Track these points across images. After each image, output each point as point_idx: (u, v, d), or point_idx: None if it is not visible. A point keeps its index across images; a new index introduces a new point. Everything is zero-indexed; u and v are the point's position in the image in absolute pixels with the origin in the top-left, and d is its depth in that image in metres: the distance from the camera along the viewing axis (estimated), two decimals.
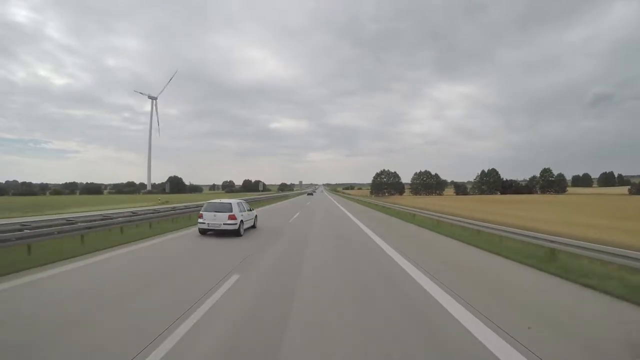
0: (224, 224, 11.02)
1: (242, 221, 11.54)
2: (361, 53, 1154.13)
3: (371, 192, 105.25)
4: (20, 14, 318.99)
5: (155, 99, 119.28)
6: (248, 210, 12.87)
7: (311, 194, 80.00)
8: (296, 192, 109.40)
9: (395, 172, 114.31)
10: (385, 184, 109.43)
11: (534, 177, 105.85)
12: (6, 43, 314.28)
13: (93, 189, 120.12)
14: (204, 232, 11.53)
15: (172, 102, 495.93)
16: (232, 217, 11.07)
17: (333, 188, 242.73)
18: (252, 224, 13.35)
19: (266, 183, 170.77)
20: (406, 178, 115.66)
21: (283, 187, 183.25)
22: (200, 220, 11.37)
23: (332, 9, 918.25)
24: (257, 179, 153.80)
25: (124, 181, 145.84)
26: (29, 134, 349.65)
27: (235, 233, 11.17)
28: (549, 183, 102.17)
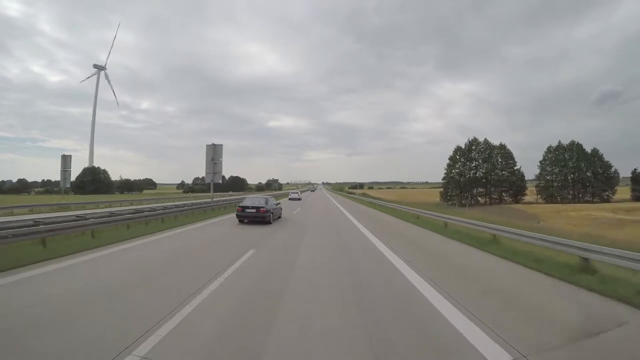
0: (297, 197, 35.06)
1: (300, 196, 35.98)
2: (363, 48, 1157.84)
3: (443, 196, 57.32)
4: (12, 7, 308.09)
5: (104, 69, 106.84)
6: (300, 192, 42.73)
7: (313, 191, 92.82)
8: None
9: (503, 146, 58.68)
10: (483, 178, 56.20)
11: None
12: None
13: None
14: (291, 199, 34.32)
15: (169, 100, 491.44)
16: (298, 195, 36.01)
17: (339, 187, 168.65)
18: (300, 197, 37.74)
19: (262, 182, 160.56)
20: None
21: (264, 186, 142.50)
22: (290, 195, 37.89)
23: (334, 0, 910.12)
24: (242, 177, 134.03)
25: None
26: (25, 132, 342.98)
27: (299, 200, 34.18)
28: None
